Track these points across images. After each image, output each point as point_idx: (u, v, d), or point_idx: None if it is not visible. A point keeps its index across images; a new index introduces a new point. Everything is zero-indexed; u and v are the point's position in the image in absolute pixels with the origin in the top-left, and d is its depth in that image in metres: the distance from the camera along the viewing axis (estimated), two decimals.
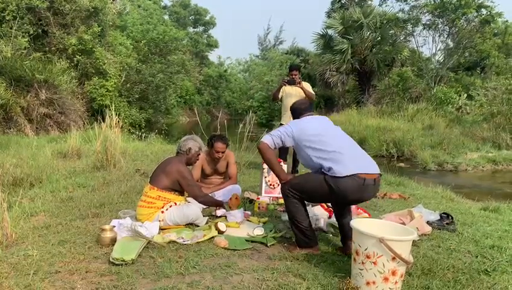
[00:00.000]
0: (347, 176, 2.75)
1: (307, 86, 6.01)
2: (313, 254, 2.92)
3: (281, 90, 6.13)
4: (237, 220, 3.55)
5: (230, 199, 3.95)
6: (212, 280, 2.47)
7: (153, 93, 17.44)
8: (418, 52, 21.13)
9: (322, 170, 2.84)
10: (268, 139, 3.06)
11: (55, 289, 2.34)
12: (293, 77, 5.95)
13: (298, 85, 5.93)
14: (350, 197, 2.83)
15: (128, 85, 16.11)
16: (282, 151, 6.04)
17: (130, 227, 3.08)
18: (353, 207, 3.93)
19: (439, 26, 20.08)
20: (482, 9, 18.86)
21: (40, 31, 14.07)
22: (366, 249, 2.33)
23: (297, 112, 3.31)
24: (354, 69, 19.57)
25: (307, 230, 2.96)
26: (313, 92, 6.11)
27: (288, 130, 3.09)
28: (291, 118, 5.93)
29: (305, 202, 3.04)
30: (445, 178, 8.66)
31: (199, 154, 3.80)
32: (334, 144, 2.92)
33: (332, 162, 2.82)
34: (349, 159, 2.84)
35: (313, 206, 4.03)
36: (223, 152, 4.31)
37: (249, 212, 3.87)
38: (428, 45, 25.97)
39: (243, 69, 38.42)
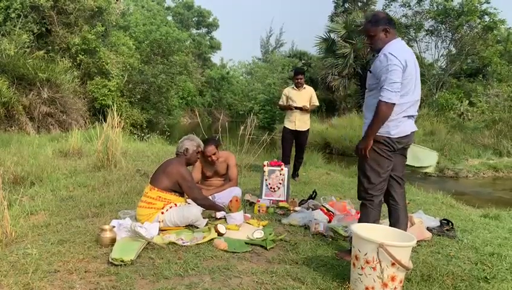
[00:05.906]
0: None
1: (314, 98, 5.98)
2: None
3: (286, 95, 6.06)
4: (237, 222, 3.55)
5: (231, 201, 3.95)
6: (211, 282, 2.47)
7: (155, 94, 17.46)
8: (420, 58, 21.11)
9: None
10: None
11: (54, 288, 2.33)
12: (299, 81, 5.91)
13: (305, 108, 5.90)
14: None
15: (130, 85, 16.14)
16: (285, 155, 6.02)
17: (130, 227, 3.08)
18: (353, 211, 3.94)
19: (442, 32, 20.11)
20: (485, 16, 18.87)
21: (43, 29, 14.13)
22: (365, 254, 2.32)
23: None
24: (356, 73, 19.56)
25: None
26: (317, 103, 6.07)
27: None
28: (294, 123, 5.94)
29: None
30: (446, 184, 8.65)
31: (198, 152, 3.78)
32: None
33: None
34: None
35: (313, 210, 4.04)
36: (214, 154, 4.31)
37: (249, 215, 3.86)
38: (431, 50, 26.01)
39: (246, 71, 38.42)
